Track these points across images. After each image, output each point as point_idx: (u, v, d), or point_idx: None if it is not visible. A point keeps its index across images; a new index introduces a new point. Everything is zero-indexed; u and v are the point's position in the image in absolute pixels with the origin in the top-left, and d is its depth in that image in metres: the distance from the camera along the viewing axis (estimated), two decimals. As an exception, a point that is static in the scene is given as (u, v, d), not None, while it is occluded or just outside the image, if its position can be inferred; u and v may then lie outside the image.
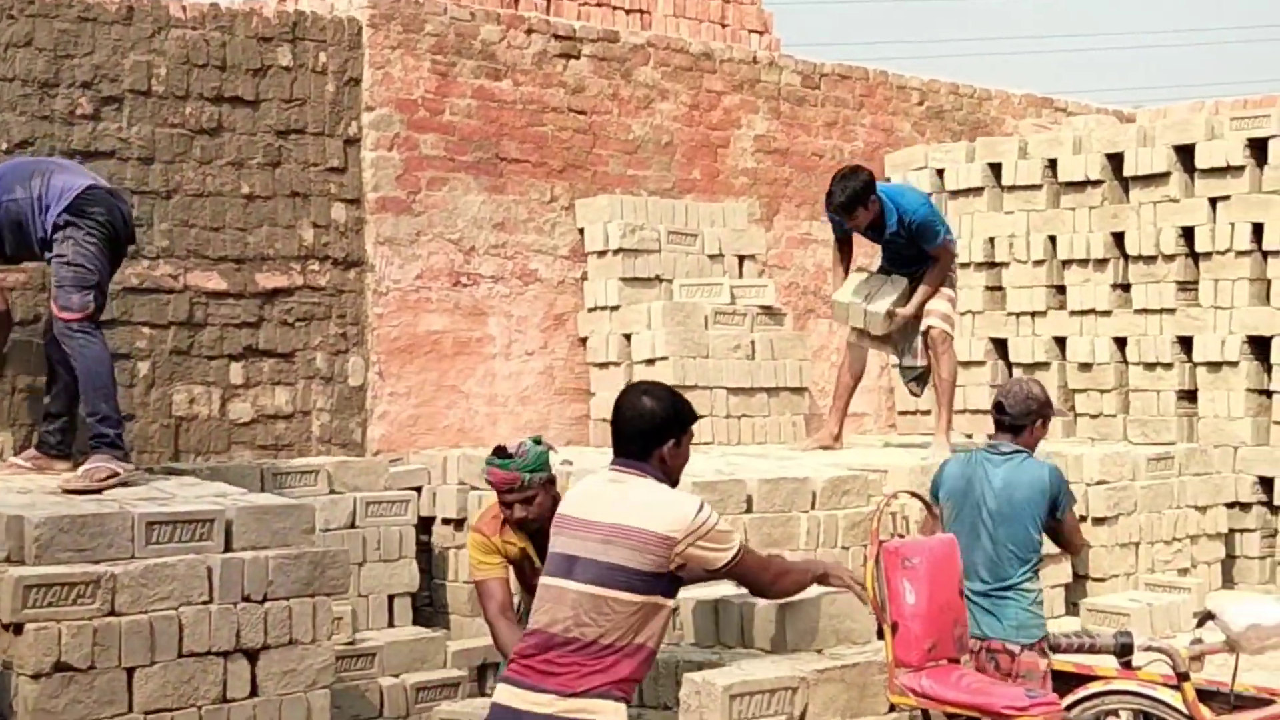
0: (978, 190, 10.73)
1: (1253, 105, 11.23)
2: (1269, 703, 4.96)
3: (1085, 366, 10.15)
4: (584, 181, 9.58)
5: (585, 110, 9.61)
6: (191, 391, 7.89)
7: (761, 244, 10.15)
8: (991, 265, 10.64)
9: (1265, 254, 9.37)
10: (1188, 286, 9.72)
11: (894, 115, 11.32)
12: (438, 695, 6.99)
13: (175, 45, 7.85)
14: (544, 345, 9.37)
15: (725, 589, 5.29)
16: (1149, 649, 5.01)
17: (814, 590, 5.19)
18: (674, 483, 4.61)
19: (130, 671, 5.04)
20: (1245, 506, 9.40)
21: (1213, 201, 9.57)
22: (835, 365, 9.03)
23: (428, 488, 8.05)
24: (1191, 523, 8.76)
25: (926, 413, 9.71)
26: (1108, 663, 5.27)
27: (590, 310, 9.47)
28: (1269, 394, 9.39)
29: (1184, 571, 8.64)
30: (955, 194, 10.88)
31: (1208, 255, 9.58)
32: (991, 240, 10.61)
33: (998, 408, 5.93)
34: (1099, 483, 8.35)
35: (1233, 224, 9.44)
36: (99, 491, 5.73)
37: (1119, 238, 10.00)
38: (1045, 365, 10.33)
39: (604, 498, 4.51)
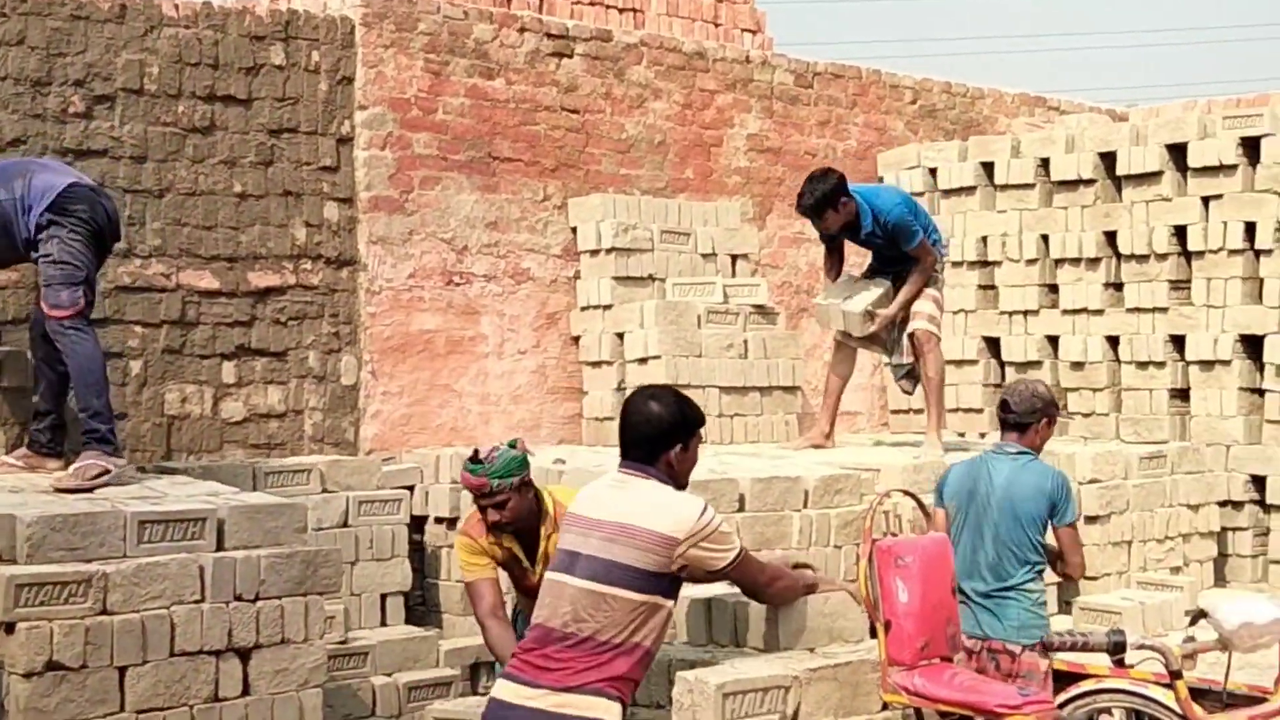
0: (970, 189, 10.74)
1: (1245, 104, 11.25)
2: (1261, 701, 4.97)
3: (1078, 365, 10.16)
4: (577, 180, 9.58)
5: (578, 109, 9.60)
6: (184, 390, 7.88)
7: (754, 243, 10.15)
8: (984, 264, 10.64)
9: (1257, 253, 9.39)
10: (1180, 285, 9.74)
11: (887, 114, 11.33)
12: (430, 694, 6.99)
13: (168, 44, 7.84)
14: (537, 344, 9.37)
15: (719, 587, 5.29)
16: (1141, 647, 5.01)
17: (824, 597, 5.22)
18: (681, 486, 4.63)
19: (122, 670, 5.03)
20: (1237, 505, 9.41)
21: (1205, 200, 9.58)
22: (827, 364, 9.02)
23: (420, 487, 8.05)
24: (1184, 521, 8.77)
25: (919, 411, 9.70)
26: (1100, 661, 5.27)
27: (583, 309, 9.47)
28: (1261, 393, 9.41)
29: (1176, 570, 8.65)
30: (948, 193, 10.88)
31: (1200, 254, 9.59)
32: (984, 239, 10.62)
33: (1003, 407, 5.97)
34: (1091, 481, 8.35)
35: (1225, 223, 9.45)
36: (90, 490, 5.72)
37: (1111, 236, 10.01)
38: (1038, 364, 10.34)
39: (609, 498, 4.55)
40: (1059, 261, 10.27)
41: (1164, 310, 9.74)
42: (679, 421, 4.59)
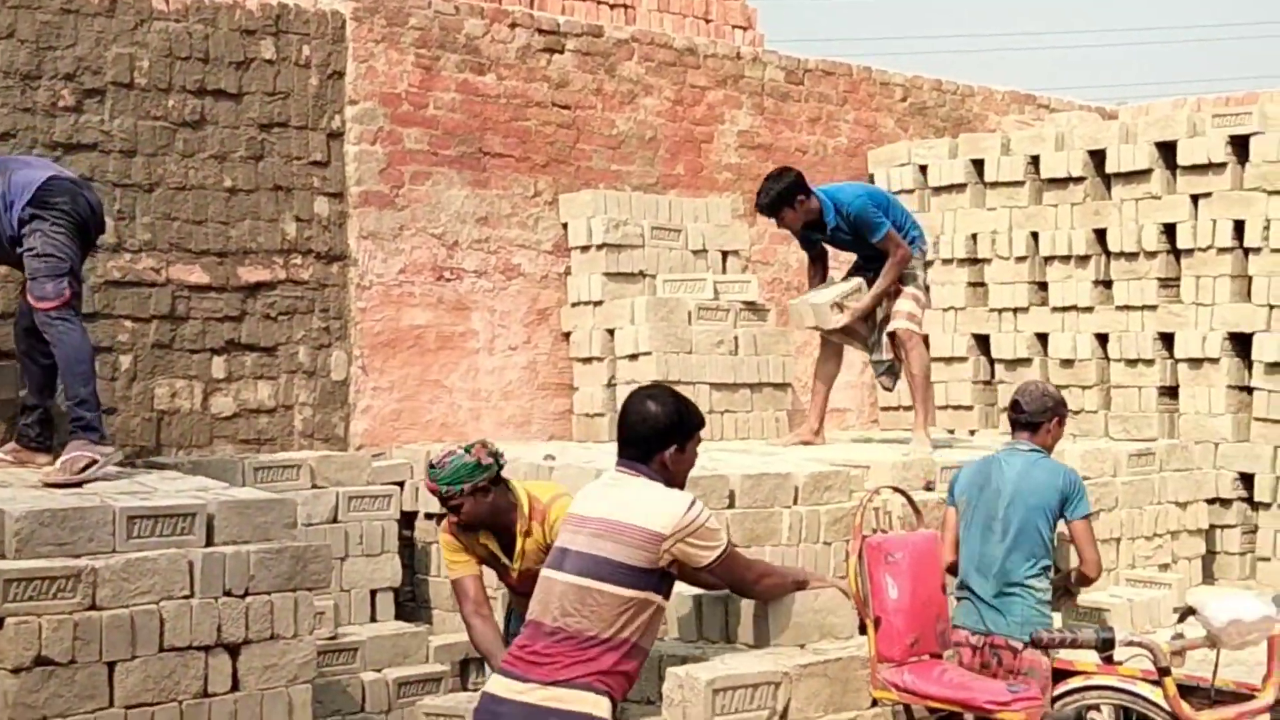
0: (960, 186, 10.75)
1: (1234, 103, 11.26)
2: (1249, 698, 4.98)
3: (1067, 363, 10.18)
4: (567, 176, 9.58)
5: (569, 105, 9.60)
6: (173, 385, 7.87)
7: (745, 240, 10.15)
8: (974, 261, 10.66)
9: (1246, 251, 9.40)
10: (1169, 283, 9.75)
11: (877, 111, 11.33)
12: (420, 690, 6.99)
13: (158, 38, 7.83)
14: (527, 340, 9.36)
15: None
16: (1130, 644, 5.02)
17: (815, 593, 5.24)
18: (677, 487, 4.63)
19: (111, 666, 5.03)
20: (1226, 502, 9.44)
21: (1194, 198, 9.60)
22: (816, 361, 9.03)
23: (410, 482, 8.05)
24: (1172, 518, 8.78)
25: (909, 408, 9.71)
26: (1089, 658, 5.28)
27: (573, 305, 9.47)
28: (1249, 390, 9.43)
29: (1165, 567, 8.66)
30: (938, 190, 10.90)
31: (1189, 252, 9.61)
32: (974, 236, 10.63)
33: (1014, 406, 6.10)
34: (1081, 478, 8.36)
35: (1214, 221, 9.46)
36: (79, 484, 5.72)
37: (1101, 234, 10.03)
38: (1027, 361, 10.36)
39: (601, 496, 4.60)
40: (1049, 259, 10.28)
41: (1153, 308, 9.76)
42: (675, 423, 4.60)
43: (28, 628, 4.87)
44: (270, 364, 8.23)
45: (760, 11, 11.96)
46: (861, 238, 8.13)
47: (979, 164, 10.67)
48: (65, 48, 7.52)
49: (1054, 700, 5.22)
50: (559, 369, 9.47)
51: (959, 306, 10.69)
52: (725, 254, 9.95)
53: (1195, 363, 9.58)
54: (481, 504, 5.35)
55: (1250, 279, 9.37)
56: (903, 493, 5.99)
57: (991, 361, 10.62)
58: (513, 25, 9.34)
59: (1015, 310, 10.43)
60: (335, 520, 7.42)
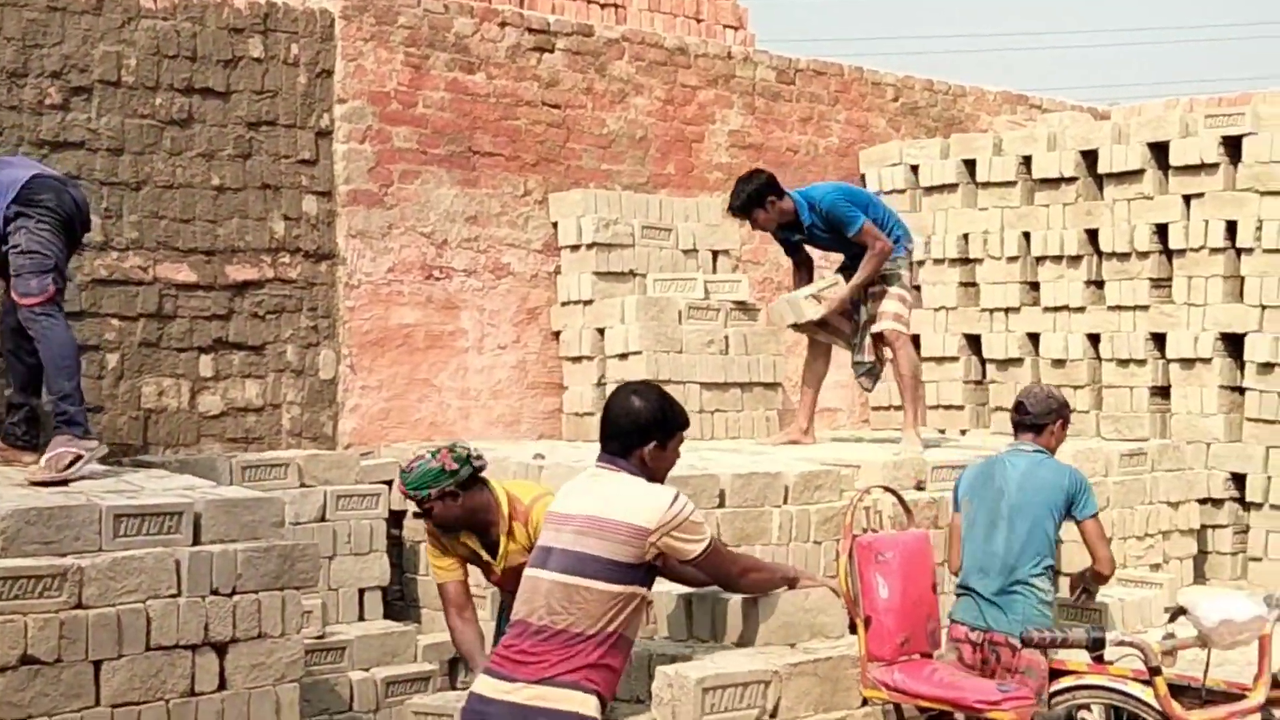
0: (952, 187, 10.74)
1: (1227, 103, 11.27)
2: (1240, 697, 4.97)
3: (1059, 363, 10.17)
4: (557, 175, 9.55)
5: (559, 104, 9.58)
6: (161, 384, 7.84)
7: (735, 239, 10.13)
8: (965, 261, 10.65)
9: (1238, 251, 9.40)
10: (1161, 283, 9.75)
11: (869, 111, 11.32)
12: (408, 689, 6.96)
13: (145, 36, 7.79)
14: (517, 339, 9.34)
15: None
16: (1121, 644, 5.01)
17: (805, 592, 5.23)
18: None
19: (97, 664, 5.01)
20: (1217, 502, 9.43)
21: (1186, 199, 9.59)
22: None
23: (399, 481, 8.00)
24: (1164, 518, 8.77)
25: (899, 408, 9.71)
26: (1080, 657, 5.27)
27: (563, 304, 9.45)
28: (1241, 391, 9.42)
29: (1156, 567, 8.65)
30: (929, 190, 10.89)
31: (1181, 252, 9.60)
32: (965, 236, 10.62)
33: (1018, 408, 6.16)
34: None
35: (1206, 221, 9.46)
36: (65, 482, 5.69)
37: (1093, 234, 10.02)
38: (1019, 361, 10.35)
39: (582, 493, 4.58)
40: (1040, 259, 10.27)
41: (1145, 308, 9.75)
42: (657, 419, 4.59)
43: (13, 626, 4.84)
44: (258, 363, 8.20)
45: (751, 11, 11.95)
46: (840, 234, 8.14)
47: (971, 164, 10.66)
48: (52, 45, 7.48)
49: (1050, 699, 5.21)
50: (548, 368, 9.45)
51: (950, 306, 10.68)
52: (716, 253, 9.94)
53: (1187, 363, 9.57)
54: (451, 508, 5.41)
55: (1242, 279, 9.37)
56: (893, 492, 5.98)
57: (983, 361, 10.61)
58: (502, 24, 9.32)
59: (1007, 310, 10.42)
60: (323, 519, 7.39)
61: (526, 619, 4.40)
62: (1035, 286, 10.34)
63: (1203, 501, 9.27)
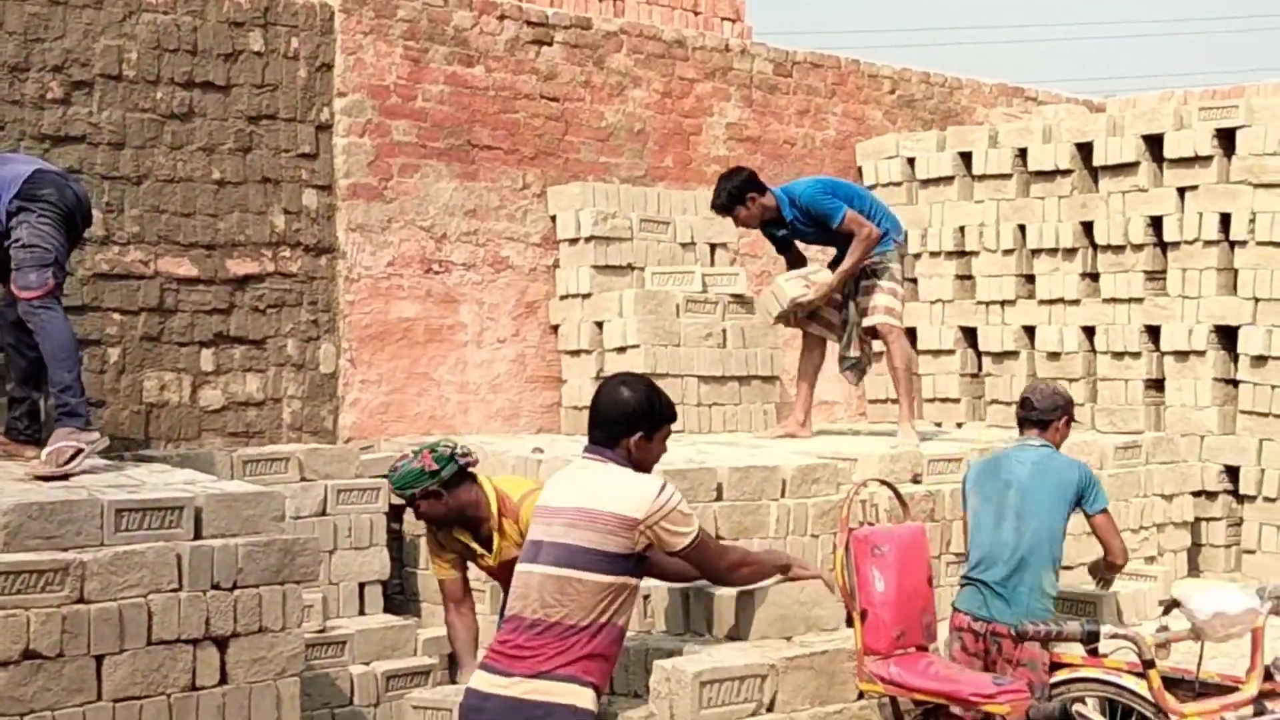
0: (948, 179, 10.76)
1: (1221, 96, 11.29)
2: (1233, 690, 5.00)
3: (1054, 355, 10.21)
4: (556, 169, 9.58)
5: (557, 97, 9.60)
6: (162, 378, 7.87)
7: (733, 232, 10.13)
8: (961, 254, 10.68)
9: (1232, 244, 9.43)
10: (1156, 276, 9.78)
11: (865, 104, 11.35)
12: (408, 683, 6.98)
13: (146, 30, 7.81)
14: (516, 333, 9.37)
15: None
16: (1115, 636, 5.05)
17: (798, 584, 5.24)
18: None
19: (99, 659, 5.02)
20: (1211, 495, 9.47)
21: (1181, 191, 9.62)
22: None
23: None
24: (1158, 511, 8.81)
25: (897, 401, 9.75)
26: (1074, 650, 5.31)
27: (562, 298, 9.47)
28: (1235, 383, 9.46)
29: (1150, 559, 8.69)
30: (926, 183, 10.91)
31: (1176, 245, 9.64)
32: (961, 229, 10.65)
33: (1024, 404, 6.24)
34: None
35: (1200, 214, 9.49)
36: (66, 476, 5.72)
37: (1088, 227, 10.05)
38: (1014, 354, 10.38)
39: (569, 485, 4.62)
40: (1036, 252, 10.30)
41: (1139, 301, 9.79)
42: (645, 410, 4.62)
43: (15, 621, 4.86)
44: (259, 357, 8.23)
45: (748, 3, 11.96)
46: (825, 227, 8.19)
47: (966, 156, 10.69)
48: (53, 40, 7.50)
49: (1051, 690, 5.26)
50: (547, 361, 9.48)
51: (946, 299, 10.72)
52: (713, 246, 9.96)
53: (1181, 355, 9.61)
54: (437, 506, 5.56)
55: (1236, 272, 9.40)
56: (889, 485, 6.01)
57: (979, 354, 10.64)
58: (501, 17, 9.34)
59: (1002, 303, 10.46)
60: (324, 513, 7.41)
61: (520, 614, 4.43)
62: (1030, 279, 10.37)
63: (1197, 494, 9.31)
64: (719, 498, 6.64)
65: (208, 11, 8.03)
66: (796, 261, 8.56)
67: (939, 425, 10.14)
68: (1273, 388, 9.19)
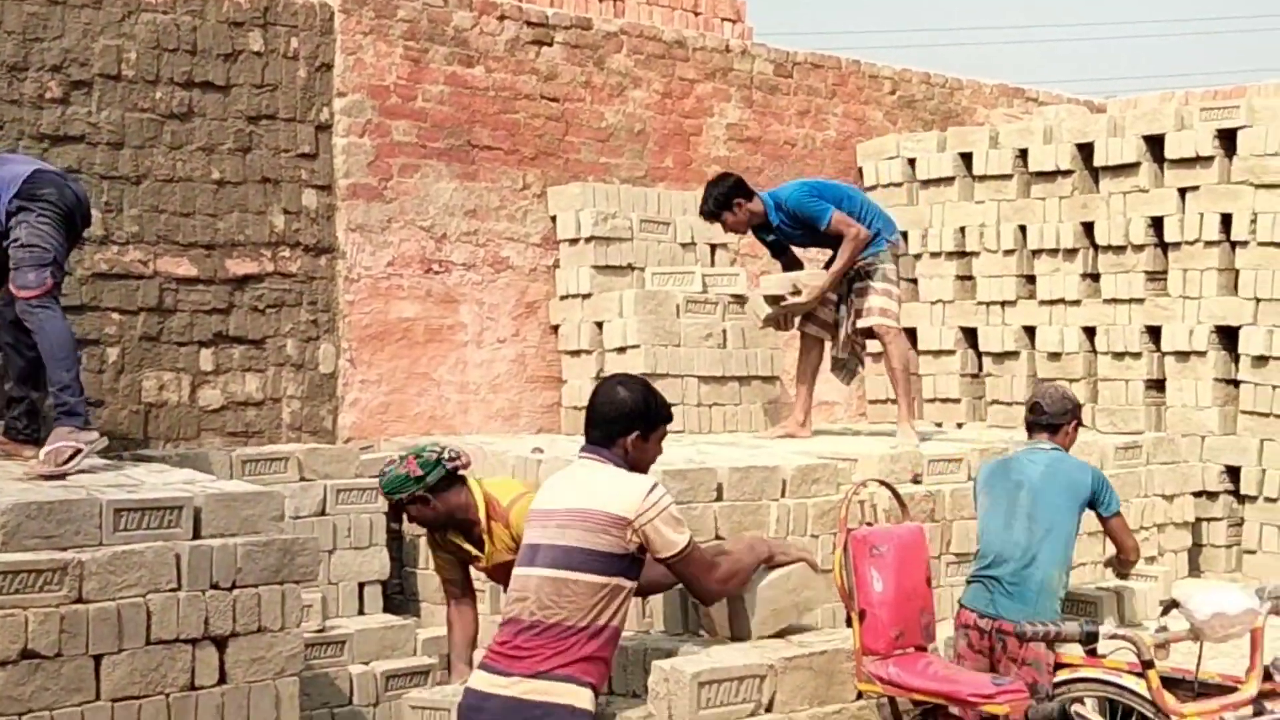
0: (949, 180, 10.76)
1: (1222, 96, 11.29)
2: (1232, 690, 5.00)
3: (1054, 356, 10.20)
4: (556, 169, 9.57)
5: (558, 98, 9.60)
6: (161, 378, 7.86)
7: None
8: (962, 254, 10.67)
9: (1233, 244, 9.42)
10: (1156, 276, 9.77)
11: (866, 104, 11.34)
12: (408, 683, 6.97)
13: (145, 29, 7.81)
14: (516, 333, 9.36)
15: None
16: (1113, 637, 5.04)
17: (771, 572, 5.20)
18: None
19: (98, 659, 5.02)
20: (1212, 495, 9.46)
21: (1182, 192, 9.62)
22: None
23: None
24: (1159, 511, 8.81)
25: (896, 401, 9.75)
26: (1077, 650, 5.30)
27: (562, 298, 9.47)
28: (1236, 384, 9.45)
29: (1151, 560, 8.69)
30: (926, 183, 10.91)
31: (1176, 245, 9.63)
32: (962, 229, 10.64)
33: (1034, 409, 6.32)
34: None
35: (1201, 214, 9.48)
36: (64, 475, 5.71)
37: (1089, 227, 10.05)
38: (1015, 354, 10.38)
39: (563, 487, 4.64)
40: (1036, 252, 10.30)
41: (1140, 301, 9.78)
42: (642, 410, 4.64)
43: (14, 621, 4.85)
44: (258, 357, 8.22)
45: (749, 4, 11.95)
46: (814, 230, 8.19)
47: (967, 157, 10.68)
48: (52, 39, 7.50)
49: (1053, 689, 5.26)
50: (547, 362, 9.48)
51: (947, 299, 10.71)
52: (714, 247, 9.96)
53: (1182, 356, 9.60)
54: (425, 511, 5.57)
55: (1237, 272, 9.40)
56: (888, 485, 6.00)
57: (979, 354, 10.64)
58: (501, 17, 9.34)
59: (1003, 303, 10.45)
60: (323, 513, 7.41)
61: (518, 616, 4.45)
62: (1031, 280, 10.37)
63: (1197, 494, 9.30)
64: (719, 498, 6.63)
65: (207, 11, 8.03)
66: (793, 266, 8.56)
67: (939, 425, 10.13)
68: (1273, 388, 9.18)
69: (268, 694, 5.37)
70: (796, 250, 8.57)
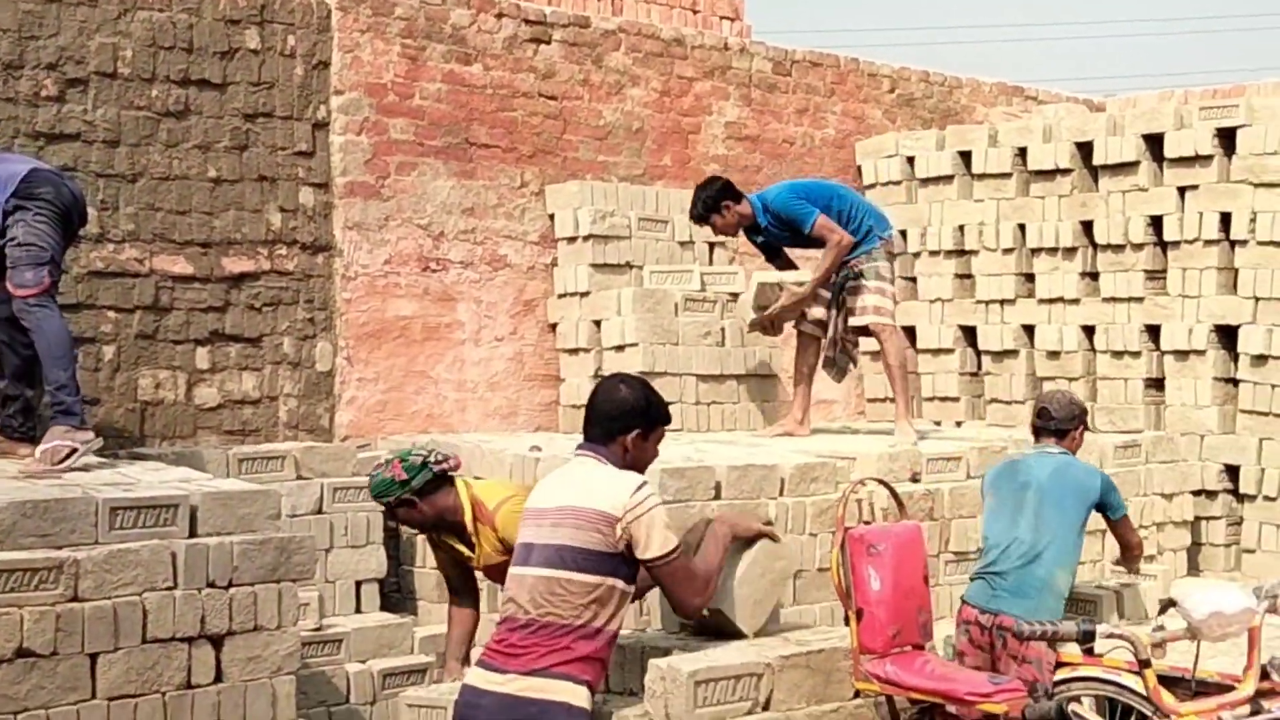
0: (948, 178, 10.74)
1: (1221, 95, 11.28)
2: (1229, 689, 4.99)
3: (1054, 355, 10.19)
4: (554, 167, 9.56)
5: (556, 96, 9.58)
6: (157, 376, 7.85)
7: (732, 231, 10.13)
8: (961, 253, 10.66)
9: (1232, 243, 9.41)
10: (1156, 275, 9.76)
11: (865, 103, 11.33)
12: (405, 681, 6.97)
13: (141, 27, 7.80)
14: (513, 331, 9.35)
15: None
16: (1111, 636, 5.04)
17: (738, 565, 5.13)
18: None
19: (94, 658, 5.01)
20: (1211, 494, 9.45)
21: (1181, 191, 9.61)
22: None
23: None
24: (1158, 510, 8.80)
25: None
26: (1076, 649, 5.30)
27: (560, 296, 9.46)
28: (1235, 383, 9.44)
29: (1150, 558, 8.68)
30: (925, 182, 10.89)
31: (1176, 244, 9.62)
32: (961, 228, 10.63)
33: (1041, 414, 6.36)
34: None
35: (1201, 213, 9.47)
36: (59, 474, 5.71)
37: (1088, 226, 10.03)
38: (1014, 353, 10.37)
39: (557, 484, 4.65)
40: (1035, 251, 10.29)
41: (1139, 300, 9.77)
42: (642, 408, 4.65)
43: (9, 619, 4.84)
44: (255, 355, 8.21)
45: (747, 2, 11.95)
46: (797, 232, 8.22)
47: (966, 156, 10.67)
48: (48, 37, 7.49)
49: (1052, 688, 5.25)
50: (545, 360, 9.47)
51: (946, 298, 10.70)
52: (712, 245, 9.95)
53: (1181, 355, 9.59)
54: (413, 513, 5.61)
55: (1236, 271, 9.39)
56: (885, 484, 5.99)
57: (978, 353, 10.63)
58: (499, 15, 9.33)
59: (1002, 302, 10.44)
60: (320, 511, 7.40)
61: (514, 615, 4.46)
62: (1030, 278, 10.36)
63: (1196, 493, 9.30)
64: (717, 496, 6.63)
65: (203, 9, 8.02)
66: (787, 267, 8.58)
67: (938, 424, 10.13)
68: (1273, 387, 9.17)
69: (264, 693, 5.37)
70: (795, 252, 8.56)
